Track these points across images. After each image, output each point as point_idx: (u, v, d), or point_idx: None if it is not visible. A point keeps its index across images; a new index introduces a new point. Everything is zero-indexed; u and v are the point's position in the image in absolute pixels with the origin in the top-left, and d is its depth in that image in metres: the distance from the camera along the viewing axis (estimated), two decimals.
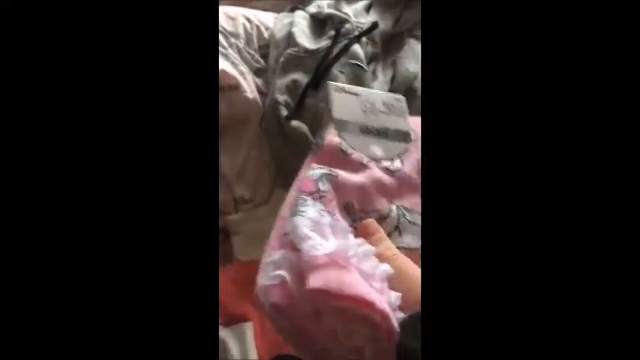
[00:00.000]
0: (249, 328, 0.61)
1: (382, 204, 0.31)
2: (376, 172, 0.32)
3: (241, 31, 0.66)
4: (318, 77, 0.60)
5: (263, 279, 0.27)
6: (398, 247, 0.29)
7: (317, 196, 0.29)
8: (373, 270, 0.25)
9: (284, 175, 0.68)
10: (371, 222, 0.30)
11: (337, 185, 0.30)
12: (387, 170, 0.33)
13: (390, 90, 0.64)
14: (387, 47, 0.65)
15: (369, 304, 0.24)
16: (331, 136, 0.33)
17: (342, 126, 0.33)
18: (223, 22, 0.66)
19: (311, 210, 0.28)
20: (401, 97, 0.36)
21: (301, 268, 0.25)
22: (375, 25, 0.63)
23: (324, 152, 0.32)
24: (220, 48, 0.63)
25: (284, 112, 0.59)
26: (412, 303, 0.25)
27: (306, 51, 0.62)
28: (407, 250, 0.29)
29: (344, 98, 0.34)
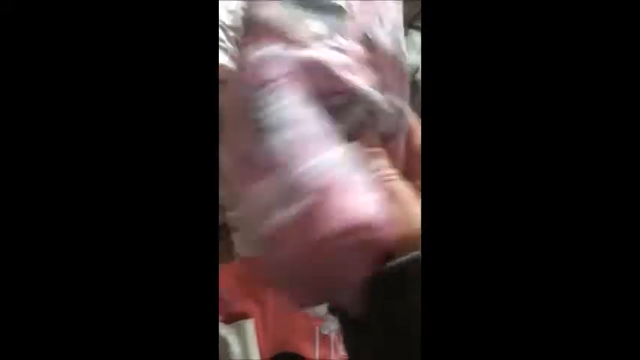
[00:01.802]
0: (250, 325, 0.60)
1: (351, 82, 0.24)
2: (326, 50, 0.24)
3: (241, 24, 0.65)
4: None
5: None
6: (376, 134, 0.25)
7: (277, 84, 0.22)
8: (368, 179, 0.22)
9: None
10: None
11: (298, 67, 0.23)
12: (337, 49, 0.24)
13: None
14: None
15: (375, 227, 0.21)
16: (269, 7, 0.24)
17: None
18: (222, 15, 0.65)
19: (280, 108, 0.21)
20: None
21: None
22: None
23: (262, 28, 0.24)
24: (219, 42, 0.62)
25: None
26: (408, 235, 0.22)
27: None
28: (386, 135, 0.25)
29: None
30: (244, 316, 0.61)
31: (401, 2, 0.27)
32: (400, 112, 0.25)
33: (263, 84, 0.22)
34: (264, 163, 0.22)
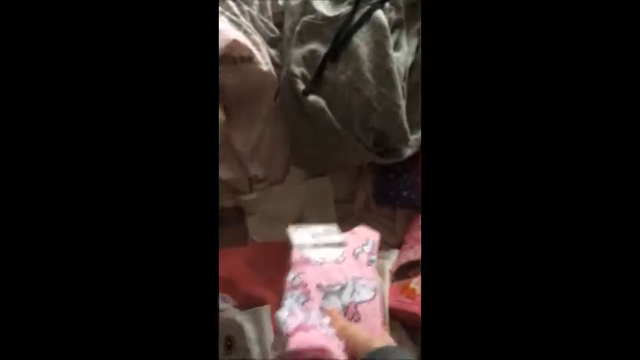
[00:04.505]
0: (266, 312, 0.59)
1: (340, 278, 0.49)
2: (329, 264, 0.51)
3: None
4: (337, 47, 0.56)
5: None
6: (358, 303, 0.47)
7: (294, 291, 0.49)
8: (327, 331, 0.44)
9: (300, 152, 0.65)
10: (332, 310, 0.47)
11: (306, 278, 0.49)
12: (336, 262, 0.52)
13: (415, 61, 0.60)
14: (413, 13, 0.60)
15: (329, 351, 0.41)
16: (296, 253, 0.52)
17: (301, 246, 0.54)
18: None
19: (289, 301, 0.47)
20: (333, 227, 0.55)
21: (283, 341, 0.43)
22: None
23: (293, 264, 0.52)
24: (232, 16, 0.59)
25: (301, 86, 0.56)
26: (358, 353, 0.43)
27: (325, 18, 0.58)
28: (365, 304, 0.47)
29: (300, 234, 0.54)
30: (260, 302, 0.60)
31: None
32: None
33: (288, 289, 0.49)
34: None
